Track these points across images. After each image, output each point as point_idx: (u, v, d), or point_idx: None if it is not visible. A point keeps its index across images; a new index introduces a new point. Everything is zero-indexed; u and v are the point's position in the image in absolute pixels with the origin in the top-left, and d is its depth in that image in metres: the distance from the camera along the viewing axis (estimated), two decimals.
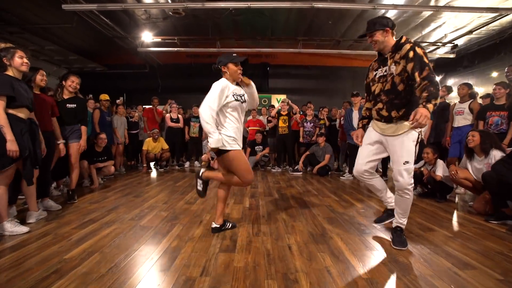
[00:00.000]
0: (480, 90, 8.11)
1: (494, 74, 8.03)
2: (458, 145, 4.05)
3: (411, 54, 1.87)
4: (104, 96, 5.05)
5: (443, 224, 2.59)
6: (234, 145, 2.15)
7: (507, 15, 6.57)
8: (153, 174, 5.63)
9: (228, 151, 2.13)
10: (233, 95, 2.15)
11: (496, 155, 2.88)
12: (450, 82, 9.81)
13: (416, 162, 3.88)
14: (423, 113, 1.64)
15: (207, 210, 2.99)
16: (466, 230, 2.43)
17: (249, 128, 6.70)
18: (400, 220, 2.11)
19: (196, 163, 6.86)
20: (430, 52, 9.32)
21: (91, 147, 4.20)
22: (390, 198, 2.29)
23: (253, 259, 1.82)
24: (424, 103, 1.69)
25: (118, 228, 2.38)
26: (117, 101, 5.97)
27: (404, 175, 1.96)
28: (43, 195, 2.88)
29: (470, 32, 7.83)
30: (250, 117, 6.99)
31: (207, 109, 2.04)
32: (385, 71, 2.02)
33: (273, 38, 8.61)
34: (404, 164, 1.96)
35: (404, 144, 1.96)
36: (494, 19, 6.99)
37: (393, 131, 2.00)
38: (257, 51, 8.82)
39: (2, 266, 1.69)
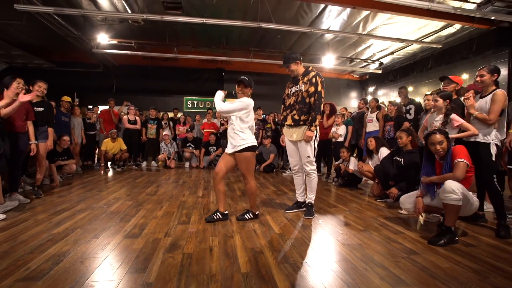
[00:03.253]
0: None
1: (410, 88, 9.77)
2: None
3: (313, 79, 2.83)
4: (66, 98, 5.26)
5: (346, 203, 3.55)
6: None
7: (411, 45, 8.25)
8: (110, 173, 5.92)
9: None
10: None
11: (382, 150, 4.01)
12: (380, 92, 11.56)
13: (336, 159, 4.92)
14: (308, 135, 2.79)
15: (166, 199, 3.57)
16: (359, 206, 3.41)
17: (204, 130, 7.33)
18: (310, 196, 3.00)
19: (153, 163, 7.23)
20: (363, 67, 10.92)
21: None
22: (301, 193, 3.14)
23: (202, 227, 2.51)
24: (309, 127, 2.78)
25: (91, 213, 2.87)
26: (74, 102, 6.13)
27: (308, 165, 2.93)
28: (12, 189, 3.19)
29: (392, 53, 9.48)
30: (205, 120, 7.61)
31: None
32: (297, 88, 2.92)
33: (227, 47, 9.32)
34: (307, 158, 2.89)
35: (306, 145, 2.87)
36: (407, 45, 8.64)
37: (299, 137, 2.87)
38: (212, 58, 9.44)
39: None
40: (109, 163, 6.70)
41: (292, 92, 2.98)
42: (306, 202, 3.02)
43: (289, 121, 2.96)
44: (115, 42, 8.30)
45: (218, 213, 2.72)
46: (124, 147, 6.44)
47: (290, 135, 2.99)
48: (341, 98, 12.73)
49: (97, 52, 8.34)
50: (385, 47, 9.22)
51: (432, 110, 3.01)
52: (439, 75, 8.59)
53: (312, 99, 2.80)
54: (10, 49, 8.50)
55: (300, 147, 2.91)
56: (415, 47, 8.80)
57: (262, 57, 9.74)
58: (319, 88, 2.78)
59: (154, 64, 10.82)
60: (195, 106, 11.13)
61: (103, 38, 7.93)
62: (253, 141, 2.68)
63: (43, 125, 3.59)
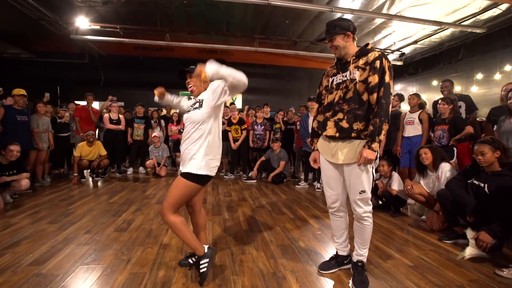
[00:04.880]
0: (423, 97, 8.67)
1: (434, 82, 8.62)
2: (408, 155, 4.09)
3: (377, 63, 1.67)
4: (18, 91, 4.07)
5: (401, 248, 2.44)
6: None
7: (446, 29, 7.04)
8: (85, 185, 4.81)
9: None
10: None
11: (444, 167, 2.89)
12: (398, 87, 10.38)
13: None
14: (367, 156, 1.64)
15: (141, 239, 2.47)
16: (424, 255, 2.30)
17: None
18: (361, 252, 1.88)
19: (141, 169, 6.13)
20: None
21: None
22: (343, 244, 2.03)
23: None
24: (369, 143, 1.66)
25: (6, 282, 1.76)
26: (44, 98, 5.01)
27: (361, 205, 1.79)
28: None
29: (416, 42, 8.28)
30: None
31: None
32: (345, 76, 1.78)
33: (228, 34, 8.14)
34: (360, 193, 1.76)
35: (360, 171, 1.73)
36: (435, 32, 7.45)
37: (349, 158, 1.75)
38: (211, 47, 8.28)
39: None
40: (87, 171, 5.59)
41: (336, 83, 1.83)
42: (355, 261, 1.90)
43: (330, 131, 1.80)
44: (97, 27, 7.10)
45: (194, 258, 1.94)
46: (104, 152, 5.31)
47: (331, 153, 1.84)
48: None
49: (76, 38, 7.16)
50: (408, 35, 8.04)
51: None
52: (472, 67, 7.56)
53: (375, 95, 1.66)
54: None
55: (350, 174, 1.77)
56: (443, 34, 7.61)
57: (267, 45, 8.56)
58: (387, 79, 1.64)
59: (146, 55, 9.67)
60: None
61: (82, 22, 6.77)
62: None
63: None
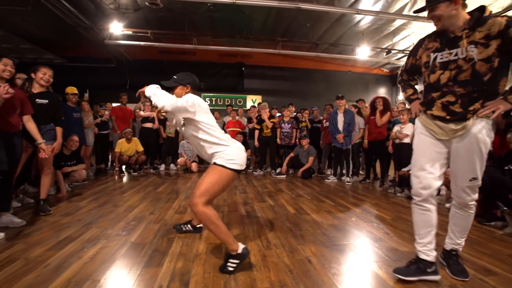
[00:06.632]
0: None
1: None
2: None
3: (510, 32, 1.38)
4: (72, 89, 4.40)
5: (444, 227, 2.62)
6: None
7: None
8: (126, 179, 5.12)
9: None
10: None
11: None
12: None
13: (405, 165, 3.97)
14: (501, 106, 1.43)
15: None
16: (470, 233, 2.47)
17: (229, 129, 6.44)
18: (458, 241, 1.76)
19: (172, 166, 6.43)
20: (398, 59, 9.87)
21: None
22: (430, 245, 1.67)
23: (276, 278, 1.63)
24: (507, 95, 1.45)
25: (105, 246, 2.03)
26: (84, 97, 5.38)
27: (469, 192, 1.62)
28: (2, 209, 2.40)
29: None
30: (229, 118, 6.74)
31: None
32: (455, 55, 1.51)
33: (250, 37, 8.45)
34: (471, 180, 1.57)
35: (474, 155, 1.53)
36: None
37: (463, 130, 1.53)
38: (234, 50, 8.60)
39: None
40: (123, 167, 5.92)
41: (441, 61, 1.56)
42: (448, 249, 1.80)
43: (438, 112, 1.58)
44: (129, 32, 7.53)
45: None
46: (141, 148, 5.64)
47: (441, 131, 1.59)
48: (370, 94, 11.68)
49: (110, 43, 7.61)
50: None
51: None
52: None
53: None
54: (19, 42, 7.87)
55: (460, 152, 1.56)
56: None
57: (288, 48, 8.83)
58: None
59: (170, 59, 10.07)
60: (213, 103, 10.32)
61: (116, 28, 7.19)
62: None
63: (47, 123, 2.80)
